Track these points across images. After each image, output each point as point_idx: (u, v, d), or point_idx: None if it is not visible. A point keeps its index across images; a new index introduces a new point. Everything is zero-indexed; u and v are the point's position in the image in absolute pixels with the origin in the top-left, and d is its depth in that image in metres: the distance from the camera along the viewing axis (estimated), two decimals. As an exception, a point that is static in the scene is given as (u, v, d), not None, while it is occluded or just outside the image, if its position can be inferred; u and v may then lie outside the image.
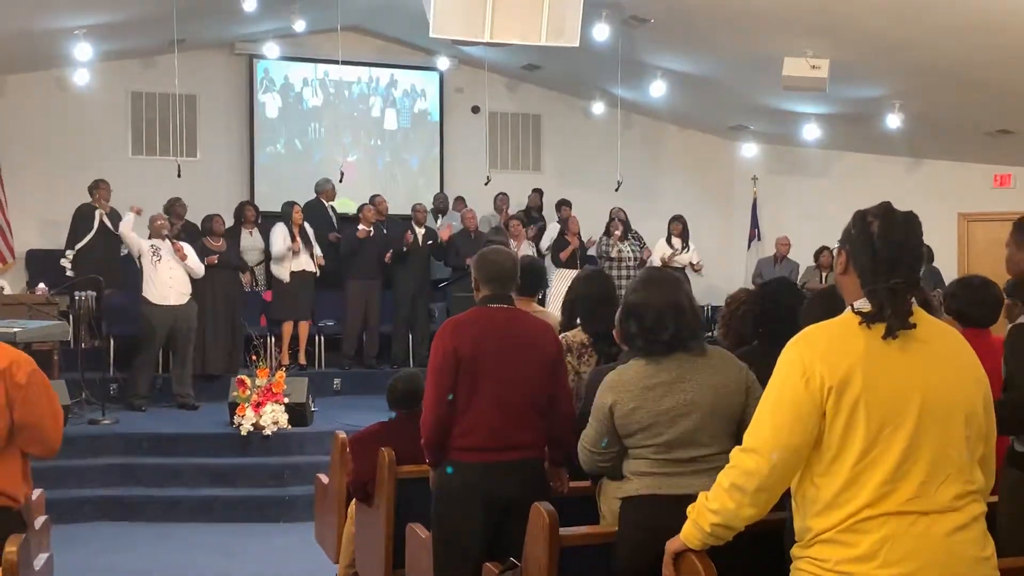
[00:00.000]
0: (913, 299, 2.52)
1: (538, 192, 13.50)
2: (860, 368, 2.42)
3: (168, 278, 9.46)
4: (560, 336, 4.65)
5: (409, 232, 11.31)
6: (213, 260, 9.90)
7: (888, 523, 2.38)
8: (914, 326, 2.47)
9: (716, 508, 2.62)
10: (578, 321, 4.84)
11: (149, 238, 9.64)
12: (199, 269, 9.69)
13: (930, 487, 2.40)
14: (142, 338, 9.54)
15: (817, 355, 2.46)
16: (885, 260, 2.50)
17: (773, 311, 3.96)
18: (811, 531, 2.48)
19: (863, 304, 2.52)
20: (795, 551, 2.55)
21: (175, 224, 10.11)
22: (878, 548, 2.37)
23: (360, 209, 11.53)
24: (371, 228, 11.22)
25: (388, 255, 11.14)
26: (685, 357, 3.38)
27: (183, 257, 9.52)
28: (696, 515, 2.69)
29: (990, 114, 11.32)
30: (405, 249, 11.19)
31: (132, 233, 9.61)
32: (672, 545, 2.80)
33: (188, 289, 9.61)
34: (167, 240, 9.57)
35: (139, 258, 9.57)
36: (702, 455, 3.30)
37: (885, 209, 2.57)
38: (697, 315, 3.47)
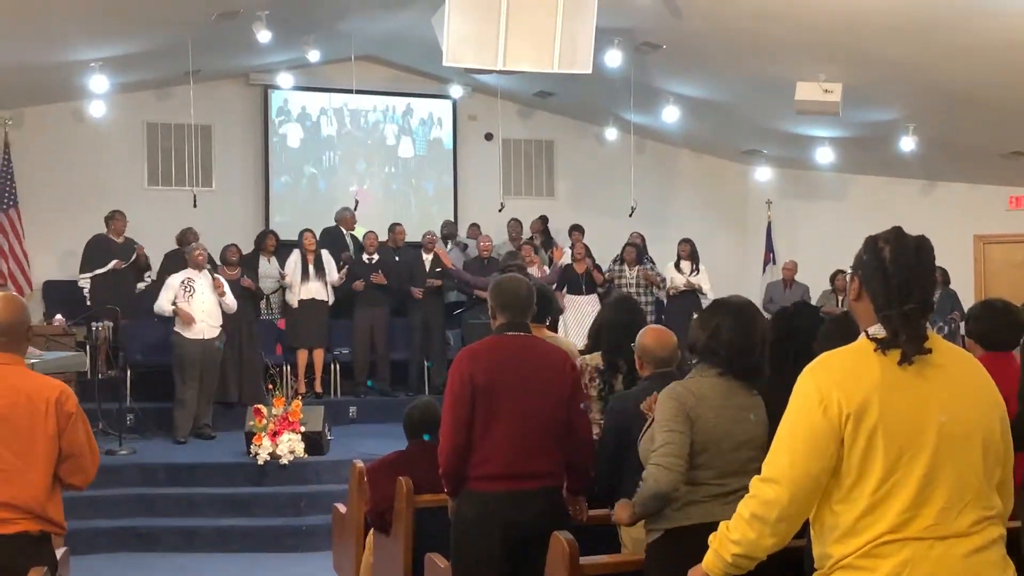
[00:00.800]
0: (928, 324, 2.51)
1: (542, 219, 13.45)
2: (877, 395, 2.41)
3: (201, 312, 9.46)
4: (579, 359, 4.69)
5: (414, 289, 11.26)
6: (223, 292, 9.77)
7: (907, 547, 2.37)
8: (929, 351, 2.46)
9: (737, 538, 2.60)
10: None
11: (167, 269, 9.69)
12: (234, 304, 9.70)
13: (950, 514, 2.39)
14: (177, 373, 9.53)
15: (834, 382, 2.45)
16: (897, 285, 2.49)
17: (787, 340, 3.92)
18: (831, 558, 2.46)
19: (877, 330, 2.50)
20: None
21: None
22: (899, 571, 2.36)
23: (364, 236, 11.55)
24: (373, 255, 11.24)
25: (374, 278, 11.09)
26: (745, 387, 3.40)
27: (222, 293, 9.52)
28: (718, 545, 2.67)
29: (1004, 136, 11.29)
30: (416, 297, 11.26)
31: (165, 306, 9.50)
32: (694, 574, 2.78)
33: (219, 322, 9.62)
34: (204, 272, 9.56)
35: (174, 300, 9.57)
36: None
37: (896, 234, 2.56)
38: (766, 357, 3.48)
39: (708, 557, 2.71)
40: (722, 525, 2.68)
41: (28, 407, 3.54)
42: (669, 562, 3.24)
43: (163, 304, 9.50)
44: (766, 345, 3.44)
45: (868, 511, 2.40)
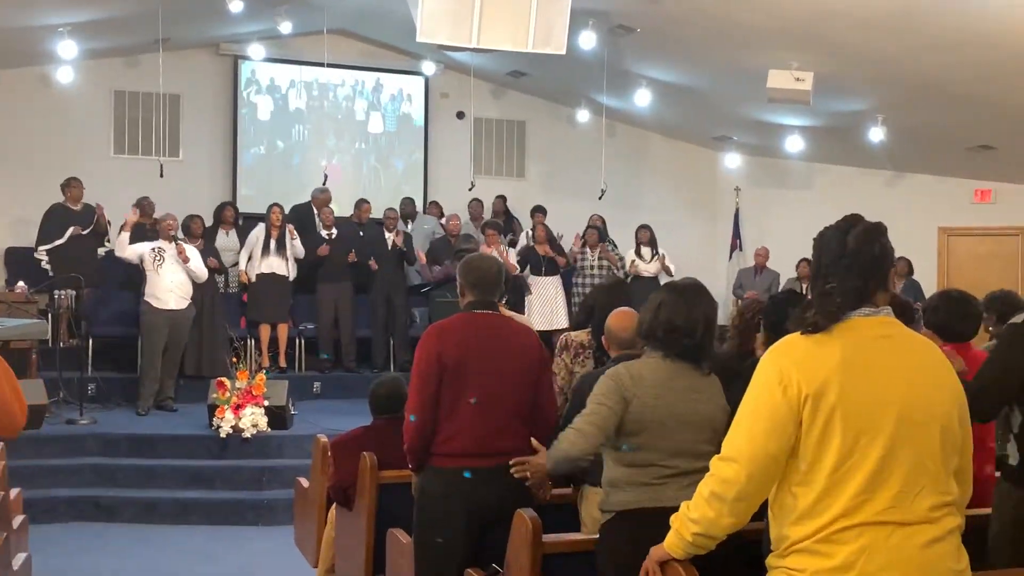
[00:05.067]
0: (888, 309, 2.54)
1: (502, 198, 13.45)
2: (837, 377, 2.44)
3: (170, 282, 9.38)
4: (564, 335, 4.78)
5: (372, 262, 11.28)
6: (187, 259, 9.67)
7: (865, 534, 2.39)
8: (825, 328, 2.49)
9: (696, 517, 2.64)
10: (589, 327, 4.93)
11: (144, 239, 9.60)
12: (202, 273, 9.62)
13: (906, 497, 2.42)
14: (144, 343, 9.48)
15: (794, 363, 2.48)
16: (825, 265, 2.55)
17: (780, 322, 3.95)
18: (787, 540, 2.49)
19: None
20: (771, 560, 2.56)
21: (147, 225, 10.09)
22: (855, 559, 2.38)
23: (320, 211, 11.50)
24: (332, 230, 11.23)
25: (351, 255, 11.13)
26: (694, 370, 3.42)
27: (186, 260, 9.42)
28: (679, 525, 2.71)
29: (972, 129, 11.40)
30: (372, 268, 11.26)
31: (128, 249, 9.46)
32: (656, 553, 2.82)
33: (189, 293, 9.54)
34: (174, 242, 9.46)
35: (141, 263, 9.50)
36: (698, 468, 3.29)
37: (846, 218, 2.61)
38: (713, 338, 3.49)
39: (670, 537, 2.75)
40: (683, 505, 2.71)
41: None
42: (619, 543, 3.29)
43: (126, 250, 9.43)
44: (712, 329, 3.44)
45: (825, 493, 2.43)
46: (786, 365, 2.48)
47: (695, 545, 2.68)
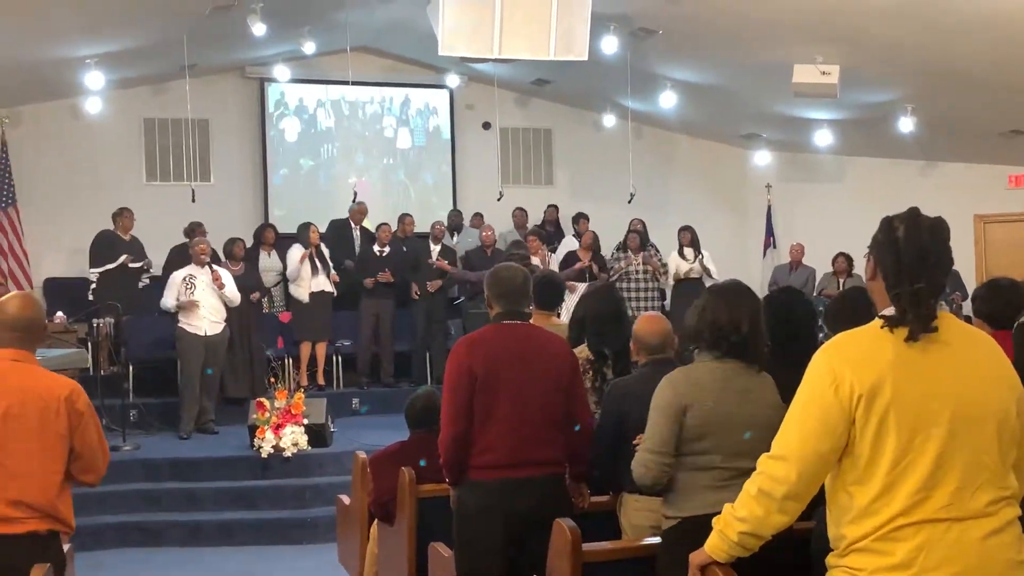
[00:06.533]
0: (943, 304, 2.51)
1: (554, 207, 13.50)
2: (890, 376, 2.42)
3: (202, 308, 9.43)
4: None
5: (414, 286, 11.27)
6: (222, 284, 9.60)
7: (923, 530, 2.37)
8: (935, 329, 2.46)
9: (744, 516, 2.60)
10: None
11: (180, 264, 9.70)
12: (235, 297, 9.61)
13: (964, 494, 2.39)
14: (182, 368, 9.54)
15: (846, 363, 2.46)
16: (908, 264, 2.50)
17: (779, 322, 3.91)
18: (846, 539, 2.47)
19: (890, 310, 2.51)
20: (830, 559, 2.53)
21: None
22: (915, 556, 2.36)
23: (378, 228, 11.54)
24: (385, 247, 11.23)
25: (386, 273, 11.16)
26: (746, 369, 3.39)
27: (220, 286, 9.44)
28: (723, 525, 2.68)
29: (1003, 115, 11.27)
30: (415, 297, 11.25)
31: (166, 301, 9.47)
32: (697, 558, 2.78)
33: (223, 317, 9.57)
34: (206, 267, 9.49)
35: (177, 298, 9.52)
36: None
37: (911, 214, 2.57)
38: (763, 336, 3.46)
39: (712, 539, 2.71)
40: (726, 506, 2.68)
41: (39, 405, 3.53)
42: (684, 550, 3.12)
43: (167, 301, 9.49)
44: (759, 326, 3.42)
45: (882, 492, 2.41)
46: (839, 364, 2.47)
47: (741, 545, 2.64)
